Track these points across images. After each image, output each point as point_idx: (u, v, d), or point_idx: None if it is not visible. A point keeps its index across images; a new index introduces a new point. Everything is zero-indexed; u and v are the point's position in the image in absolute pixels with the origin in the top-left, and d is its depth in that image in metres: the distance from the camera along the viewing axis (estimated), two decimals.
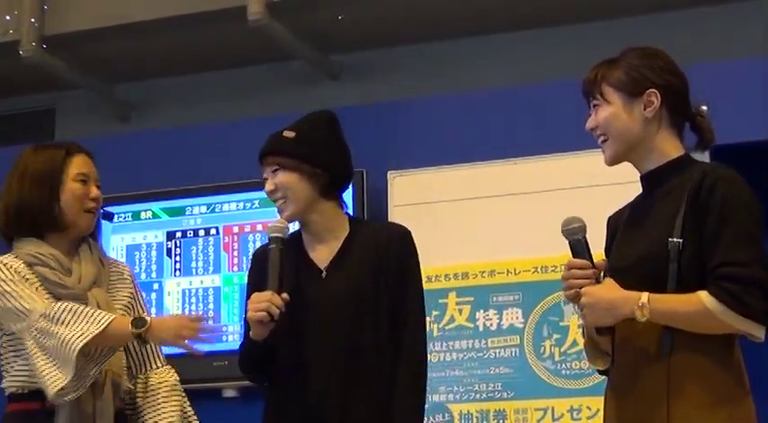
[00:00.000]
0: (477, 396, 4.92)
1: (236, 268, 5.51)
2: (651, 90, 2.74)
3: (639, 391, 2.64)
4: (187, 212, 5.63)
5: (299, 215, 3.18)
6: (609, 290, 2.64)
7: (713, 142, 2.82)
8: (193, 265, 5.56)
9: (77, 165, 3.29)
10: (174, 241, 5.62)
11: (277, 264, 3.04)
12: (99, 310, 3.13)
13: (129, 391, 3.30)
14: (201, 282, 5.53)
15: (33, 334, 3.09)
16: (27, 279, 3.17)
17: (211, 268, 5.54)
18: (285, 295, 3.01)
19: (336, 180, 3.21)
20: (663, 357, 2.60)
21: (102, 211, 3.35)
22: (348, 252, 3.15)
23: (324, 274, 3.14)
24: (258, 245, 5.62)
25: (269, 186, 3.18)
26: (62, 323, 3.06)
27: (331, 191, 3.20)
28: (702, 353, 2.59)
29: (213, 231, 5.58)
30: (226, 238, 5.55)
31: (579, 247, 2.73)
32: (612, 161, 2.82)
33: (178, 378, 3.39)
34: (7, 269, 3.18)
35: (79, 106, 7.14)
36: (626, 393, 2.68)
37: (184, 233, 5.62)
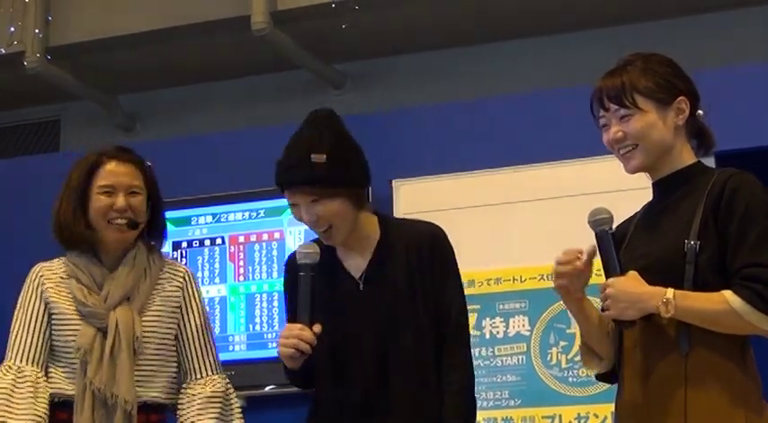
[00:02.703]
0: (485, 404, 4.92)
1: (241, 278, 5.51)
2: (681, 97, 2.73)
3: (656, 391, 2.63)
4: (193, 222, 5.64)
5: (347, 236, 3.01)
6: (634, 283, 2.62)
7: (714, 146, 2.82)
8: (199, 274, 5.56)
9: (103, 175, 3.23)
10: (179, 251, 5.62)
11: (308, 294, 2.90)
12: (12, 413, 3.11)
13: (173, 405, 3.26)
14: (208, 291, 5.53)
15: None
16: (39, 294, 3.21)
17: (217, 278, 5.54)
18: (317, 327, 2.89)
19: (365, 191, 3.07)
20: (681, 356, 2.60)
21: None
22: (382, 259, 3.03)
23: (361, 286, 3.02)
24: (264, 254, 5.67)
25: (308, 217, 2.95)
26: None
27: (365, 200, 3.05)
28: (719, 352, 2.59)
29: (219, 241, 5.58)
30: (231, 247, 5.55)
31: (605, 237, 2.70)
32: (639, 170, 2.79)
33: (222, 387, 3.27)
34: (31, 281, 3.24)
35: (84, 117, 7.15)
36: (641, 397, 2.67)
37: (190, 243, 5.63)
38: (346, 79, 6.67)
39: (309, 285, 2.92)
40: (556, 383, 4.87)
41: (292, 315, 2.98)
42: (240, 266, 5.53)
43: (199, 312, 3.30)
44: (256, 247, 5.51)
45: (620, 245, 2.80)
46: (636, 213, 2.89)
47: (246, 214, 5.57)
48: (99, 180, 3.22)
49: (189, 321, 3.28)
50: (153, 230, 3.33)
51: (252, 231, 5.55)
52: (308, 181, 2.92)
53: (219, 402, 3.25)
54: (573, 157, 5.03)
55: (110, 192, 3.21)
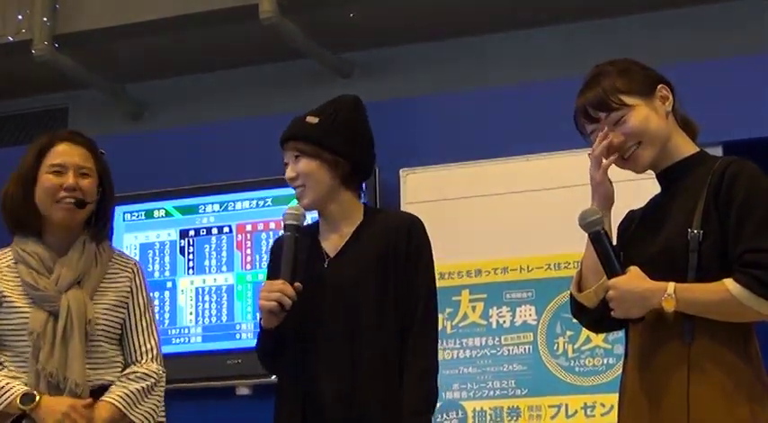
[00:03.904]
0: (491, 393, 4.93)
1: (249, 266, 5.52)
2: (660, 85, 2.78)
3: (660, 379, 2.64)
4: (200, 211, 5.64)
5: (318, 204, 3.12)
6: (635, 281, 2.64)
7: (698, 133, 2.85)
8: (206, 263, 5.57)
9: (54, 155, 3.20)
10: (187, 239, 5.63)
11: (291, 252, 2.99)
12: (7, 384, 3.08)
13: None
14: (215, 280, 5.54)
15: None
16: None
17: (225, 267, 5.55)
18: (298, 284, 2.97)
19: (357, 169, 3.14)
20: (684, 345, 2.61)
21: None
22: (356, 241, 3.10)
23: (326, 263, 3.08)
24: (271, 243, 5.65)
25: (289, 173, 3.11)
26: None
27: (351, 180, 3.13)
28: (722, 342, 2.60)
29: (226, 229, 5.58)
30: (239, 236, 5.56)
31: (600, 238, 2.70)
32: (648, 167, 2.80)
33: (154, 372, 3.22)
34: None
35: (91, 105, 7.15)
36: (645, 384, 2.68)
37: (197, 231, 5.63)
38: (353, 68, 6.66)
39: (293, 245, 3.00)
40: (562, 373, 4.87)
41: (273, 274, 3.06)
42: (247, 255, 5.53)
43: (144, 304, 3.29)
44: (263, 235, 5.52)
45: (623, 237, 2.81)
46: (643, 206, 2.89)
47: (254, 203, 5.57)
48: (49, 159, 3.20)
49: (134, 312, 3.26)
50: (99, 219, 3.28)
51: (259, 220, 5.55)
52: (294, 136, 3.12)
53: (152, 381, 3.20)
54: (582, 146, 5.02)
55: (59, 171, 3.18)
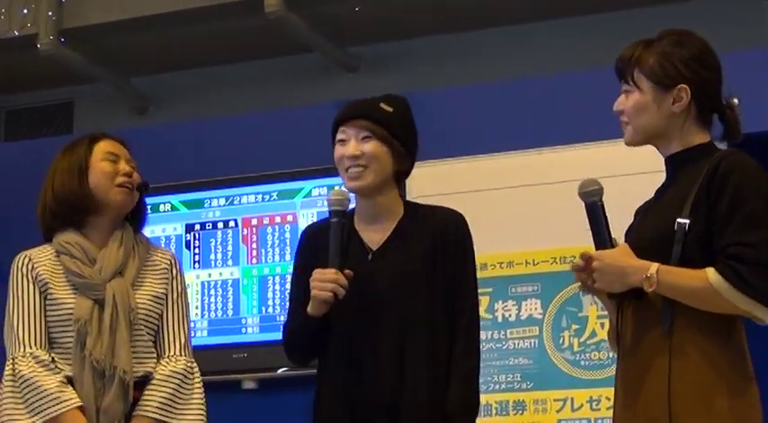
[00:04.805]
0: (497, 387, 4.93)
1: (254, 260, 5.52)
2: (681, 85, 2.71)
3: (643, 367, 2.65)
4: (206, 205, 5.65)
5: (372, 189, 3.05)
6: (620, 256, 2.65)
7: (738, 138, 2.80)
8: (212, 257, 5.58)
9: (103, 147, 3.30)
10: (192, 233, 5.63)
11: (338, 239, 2.94)
12: (51, 394, 3.10)
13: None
14: (220, 274, 5.55)
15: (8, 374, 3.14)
16: (30, 280, 3.21)
17: (230, 261, 5.56)
18: (349, 272, 2.93)
19: (409, 169, 3.14)
20: (664, 335, 2.61)
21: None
22: (400, 234, 3.05)
23: (370, 256, 3.04)
24: (277, 237, 5.68)
25: (353, 150, 3.01)
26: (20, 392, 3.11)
27: (401, 177, 3.12)
28: (703, 331, 2.60)
29: (232, 223, 5.59)
30: (244, 230, 5.56)
31: (595, 209, 2.73)
32: (630, 144, 2.82)
33: (182, 368, 3.25)
34: (18, 269, 3.24)
35: (97, 99, 7.16)
36: (630, 372, 2.70)
37: (203, 225, 5.64)
38: (359, 62, 6.67)
39: (340, 231, 2.95)
40: (568, 367, 4.87)
41: (308, 260, 3.02)
42: (253, 249, 5.54)
43: (180, 296, 3.34)
44: (269, 229, 5.52)
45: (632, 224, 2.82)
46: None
47: (259, 197, 5.57)
48: (100, 149, 3.28)
49: (170, 303, 3.31)
50: (135, 212, 3.37)
51: (265, 214, 5.55)
52: (372, 116, 3.03)
53: (177, 381, 3.23)
54: (588, 140, 5.02)
55: (113, 160, 3.28)
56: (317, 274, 2.94)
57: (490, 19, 6.33)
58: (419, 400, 2.93)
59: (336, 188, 3.07)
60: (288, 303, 3.18)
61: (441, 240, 3.03)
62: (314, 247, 3.06)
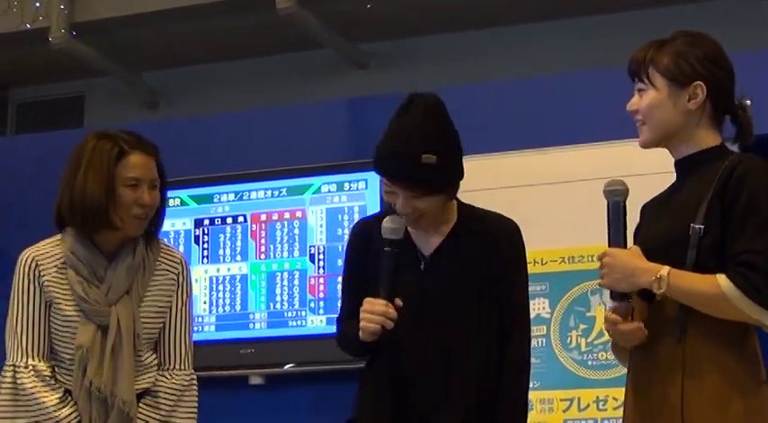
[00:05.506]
0: None
1: (263, 256, 5.52)
2: (697, 82, 2.71)
3: (655, 376, 2.65)
4: (215, 200, 5.65)
5: (429, 226, 3.01)
6: (632, 257, 2.65)
7: (750, 139, 2.79)
8: (221, 252, 5.58)
9: (129, 167, 3.18)
10: (201, 229, 5.64)
11: (390, 269, 2.90)
12: (48, 413, 3.09)
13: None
14: (229, 269, 5.55)
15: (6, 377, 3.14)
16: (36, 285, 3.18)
17: (239, 256, 5.56)
18: (399, 302, 2.90)
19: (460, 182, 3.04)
20: (676, 343, 2.60)
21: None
22: (453, 242, 3.02)
23: (422, 265, 3.01)
24: (286, 233, 5.68)
25: (405, 209, 2.93)
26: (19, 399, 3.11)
27: (457, 190, 3.05)
28: (716, 340, 2.59)
29: (241, 219, 5.59)
30: (253, 225, 5.56)
31: (617, 209, 2.72)
32: (646, 146, 2.80)
33: (179, 386, 3.22)
34: (24, 271, 3.19)
35: (108, 93, 7.17)
36: (642, 380, 2.69)
37: (212, 221, 5.64)
38: (371, 59, 6.67)
39: (393, 262, 2.92)
40: (575, 366, 4.87)
41: (373, 291, 2.94)
42: (262, 244, 5.54)
43: (185, 305, 3.29)
44: (278, 225, 5.52)
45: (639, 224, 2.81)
46: (663, 191, 2.88)
47: (269, 193, 5.57)
48: (125, 171, 3.18)
49: (174, 312, 3.27)
50: (153, 222, 3.29)
51: (274, 210, 5.55)
52: (416, 180, 2.90)
53: (175, 398, 3.21)
54: (598, 139, 5.02)
55: (135, 185, 3.18)
56: (367, 304, 2.91)
57: (501, 18, 6.32)
58: (464, 415, 2.92)
59: (393, 217, 2.96)
60: (340, 293, 3.17)
61: (495, 250, 3.00)
62: (362, 250, 3.04)
